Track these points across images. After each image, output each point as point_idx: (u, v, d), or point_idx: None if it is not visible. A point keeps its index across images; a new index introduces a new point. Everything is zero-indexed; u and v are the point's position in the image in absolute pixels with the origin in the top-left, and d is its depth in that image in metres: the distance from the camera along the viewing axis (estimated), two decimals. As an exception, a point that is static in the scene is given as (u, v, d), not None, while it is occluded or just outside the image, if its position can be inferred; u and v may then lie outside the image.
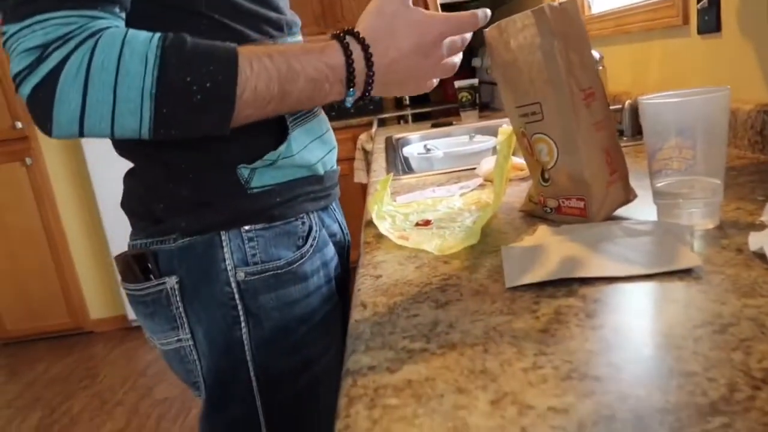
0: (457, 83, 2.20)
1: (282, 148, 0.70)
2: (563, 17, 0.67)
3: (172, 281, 0.72)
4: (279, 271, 0.71)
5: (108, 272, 3.21)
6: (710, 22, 1.07)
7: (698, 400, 0.35)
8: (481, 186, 1.03)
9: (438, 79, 0.71)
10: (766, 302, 0.46)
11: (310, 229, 0.75)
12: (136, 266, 0.72)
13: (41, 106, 0.55)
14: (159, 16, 0.65)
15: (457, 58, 0.70)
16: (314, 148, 0.76)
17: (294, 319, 0.73)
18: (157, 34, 0.57)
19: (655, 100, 0.66)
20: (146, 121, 0.56)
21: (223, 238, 0.70)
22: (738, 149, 0.99)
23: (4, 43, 0.56)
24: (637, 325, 0.45)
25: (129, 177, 0.75)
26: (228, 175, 0.69)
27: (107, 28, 0.56)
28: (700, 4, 1.08)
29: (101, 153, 2.79)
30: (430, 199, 0.96)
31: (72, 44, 0.54)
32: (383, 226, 0.82)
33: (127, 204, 0.76)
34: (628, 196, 0.73)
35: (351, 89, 0.64)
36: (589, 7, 1.76)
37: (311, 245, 0.74)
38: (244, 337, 0.71)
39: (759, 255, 0.54)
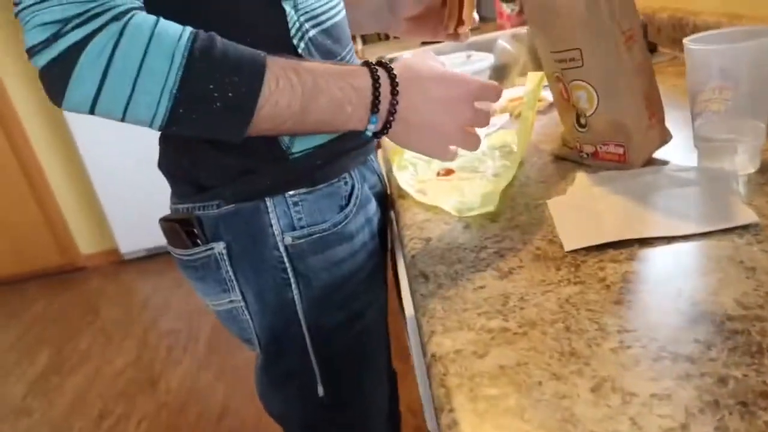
0: (445, -6, 2.10)
1: None
2: (605, -44, 0.64)
3: (219, 247, 0.72)
4: (325, 233, 0.72)
5: (92, 204, 3.15)
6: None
7: (797, 382, 0.37)
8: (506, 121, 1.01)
9: (457, 151, 0.67)
10: (833, 263, 0.47)
11: (353, 188, 0.74)
12: (182, 232, 0.72)
13: (55, 81, 0.54)
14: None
15: (482, 133, 0.66)
16: None
17: (342, 277, 0.74)
18: (188, 31, 0.55)
19: (701, 46, 0.64)
20: (160, 117, 0.55)
21: (268, 204, 0.70)
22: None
23: (18, 13, 0.53)
24: (709, 293, 0.47)
25: (167, 140, 0.74)
26: (270, 142, 0.68)
27: (129, 10, 0.54)
28: None
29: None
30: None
31: (94, 24, 0.52)
32: (403, 178, 0.82)
33: (166, 167, 0.76)
34: (665, 137, 0.73)
35: (374, 116, 0.61)
36: None
37: (354, 204, 0.74)
38: (295, 297, 0.73)
39: (811, 206, 0.55)
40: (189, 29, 0.55)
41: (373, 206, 0.79)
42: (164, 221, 0.78)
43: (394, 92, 0.61)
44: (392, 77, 0.62)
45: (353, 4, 0.85)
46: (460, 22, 0.81)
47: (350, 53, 0.76)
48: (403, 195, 0.79)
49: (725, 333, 0.42)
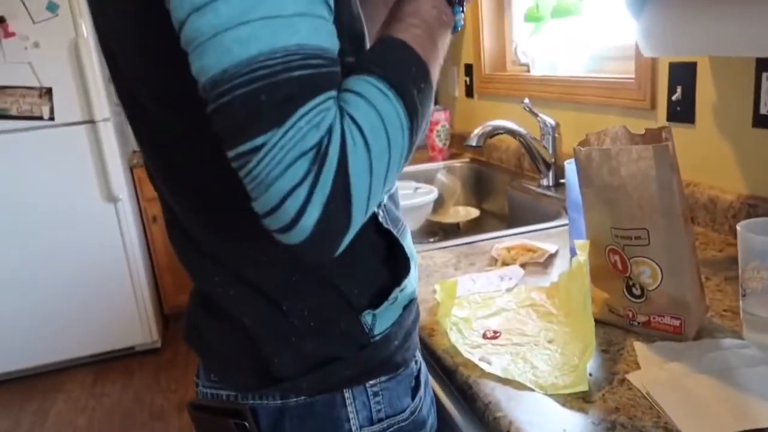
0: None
1: (410, 276, 0.64)
2: (674, 149, 0.70)
3: None
4: (403, 423, 0.65)
5: None
6: (684, 114, 1.18)
7: None
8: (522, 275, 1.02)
9: None
10: None
11: (420, 366, 0.69)
12: (234, 427, 0.61)
13: (336, 220, 0.45)
14: None
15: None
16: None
17: None
18: (385, 89, 0.48)
19: (747, 233, 0.71)
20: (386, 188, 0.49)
21: (346, 395, 0.62)
22: (719, 234, 1.11)
23: (257, 162, 0.43)
24: None
25: (228, 317, 0.62)
26: (352, 324, 0.61)
27: (335, 114, 0.46)
28: (675, 96, 1.19)
29: None
30: (477, 295, 0.94)
31: (337, 133, 0.44)
32: (459, 342, 0.78)
33: (213, 347, 0.64)
34: (707, 309, 0.78)
35: (457, 7, 0.57)
36: (521, 65, 1.85)
37: (424, 385, 0.68)
38: None
39: None
40: (384, 87, 0.48)
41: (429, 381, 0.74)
42: (200, 410, 0.66)
43: None
44: None
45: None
46: None
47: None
48: (462, 362, 0.75)
49: None
